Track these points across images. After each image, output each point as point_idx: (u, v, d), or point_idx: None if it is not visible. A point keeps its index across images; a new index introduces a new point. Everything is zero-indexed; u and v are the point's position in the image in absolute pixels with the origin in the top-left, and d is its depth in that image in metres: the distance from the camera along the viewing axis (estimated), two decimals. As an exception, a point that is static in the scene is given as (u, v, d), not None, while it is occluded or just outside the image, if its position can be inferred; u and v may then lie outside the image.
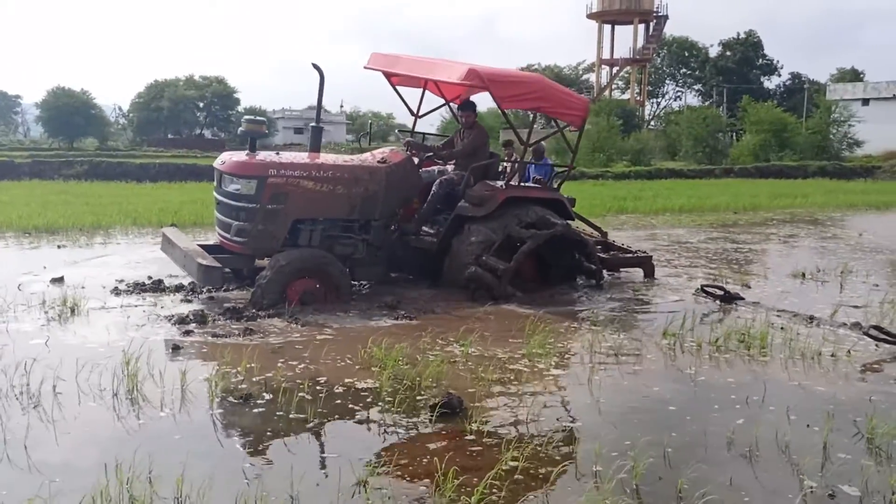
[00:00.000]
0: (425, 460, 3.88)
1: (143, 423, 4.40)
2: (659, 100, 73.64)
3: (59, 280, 8.33)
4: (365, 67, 9.10)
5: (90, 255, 10.45)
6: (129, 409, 4.61)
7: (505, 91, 8.10)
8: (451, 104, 9.98)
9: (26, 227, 12.61)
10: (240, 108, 79.32)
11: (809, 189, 25.31)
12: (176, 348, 5.83)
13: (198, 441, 4.18)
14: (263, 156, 7.67)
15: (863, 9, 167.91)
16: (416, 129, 9.90)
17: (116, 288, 8.01)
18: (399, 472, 3.71)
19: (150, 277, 8.49)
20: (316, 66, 8.10)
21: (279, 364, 5.47)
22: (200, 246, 7.80)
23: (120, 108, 74.77)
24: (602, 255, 9.02)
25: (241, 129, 7.58)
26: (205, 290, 7.83)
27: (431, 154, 8.61)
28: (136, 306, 7.31)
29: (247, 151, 7.63)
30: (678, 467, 3.92)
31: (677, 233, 14.08)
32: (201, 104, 76.17)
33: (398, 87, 9.46)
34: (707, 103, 63.46)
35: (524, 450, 3.95)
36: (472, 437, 4.25)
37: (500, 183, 8.52)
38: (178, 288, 7.98)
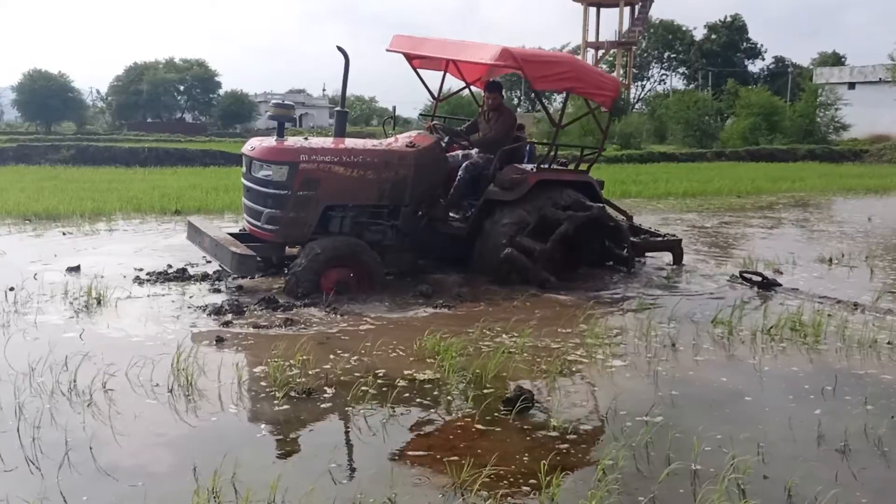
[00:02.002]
0: (525, 458, 3.71)
1: (210, 420, 4.19)
2: (644, 83, 73.64)
3: (75, 269, 8.04)
4: (387, 50, 8.86)
5: (98, 243, 10.13)
6: (188, 405, 4.39)
7: (538, 71, 7.89)
8: (471, 87, 9.79)
9: (25, 214, 12.23)
10: (221, 92, 78.39)
11: (804, 173, 25.32)
12: (220, 340, 5.60)
13: (271, 440, 3.98)
14: (293, 141, 7.43)
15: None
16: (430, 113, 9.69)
17: (138, 277, 7.75)
18: (497, 472, 3.52)
19: (169, 266, 8.23)
20: (341, 49, 7.85)
21: (331, 356, 5.27)
22: (229, 235, 7.55)
23: (98, 92, 73.37)
24: (632, 238, 8.86)
25: (268, 114, 7.34)
26: (231, 279, 7.60)
27: (464, 139, 8.37)
28: (163, 296, 7.06)
29: (275, 137, 7.38)
30: (774, 463, 3.78)
31: (689, 217, 13.95)
32: (182, 87, 75.13)
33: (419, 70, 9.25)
34: (692, 86, 63.51)
35: (616, 447, 3.79)
36: (556, 433, 4.08)
37: (529, 166, 8.34)
38: (204, 277, 7.73)
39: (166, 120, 72.07)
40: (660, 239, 9.25)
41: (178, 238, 10.50)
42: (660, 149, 36.56)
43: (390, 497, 3.28)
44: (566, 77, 8.06)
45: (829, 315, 6.63)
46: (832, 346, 5.86)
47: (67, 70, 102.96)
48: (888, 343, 5.91)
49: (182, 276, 7.80)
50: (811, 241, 11.40)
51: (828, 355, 5.64)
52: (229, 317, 6.26)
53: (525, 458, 3.72)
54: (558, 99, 40.93)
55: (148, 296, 7.04)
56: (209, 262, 8.46)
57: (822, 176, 24.59)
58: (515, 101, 56.80)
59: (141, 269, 8.09)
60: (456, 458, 3.68)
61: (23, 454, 3.72)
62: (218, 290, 7.28)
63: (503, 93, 8.75)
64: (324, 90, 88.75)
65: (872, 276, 8.81)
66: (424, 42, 8.68)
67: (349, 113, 8.45)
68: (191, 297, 7.02)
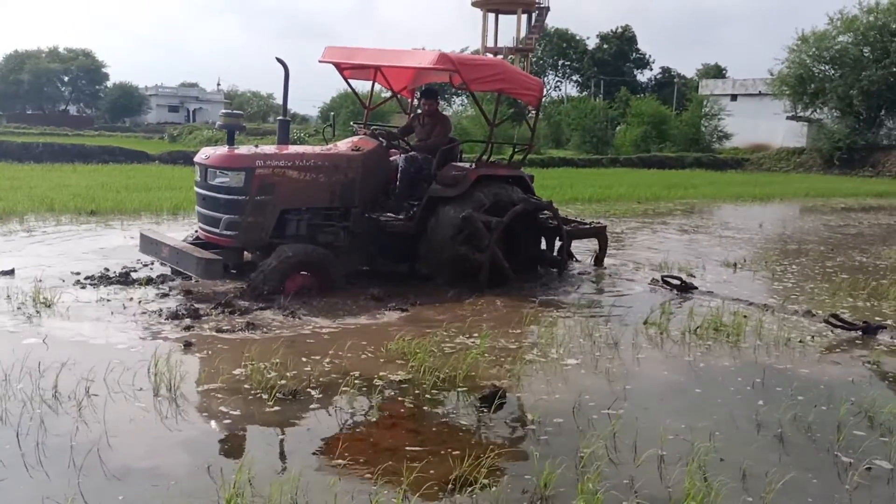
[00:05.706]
0: (513, 448, 4.07)
1: (207, 423, 4.36)
2: (539, 89, 75.76)
3: (8, 272, 7.88)
4: (320, 61, 9.05)
5: (19, 246, 9.85)
6: (178, 409, 4.53)
7: (473, 74, 8.30)
8: (397, 95, 10.10)
9: (-71, 213, 11.69)
10: (108, 84, 75.44)
11: (695, 180, 26.92)
12: (188, 345, 5.71)
13: (275, 440, 4.19)
14: (245, 149, 7.58)
15: (723, 6, 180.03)
16: (360, 121, 9.93)
17: (78, 281, 7.69)
18: (497, 465, 3.86)
19: (106, 269, 8.18)
20: (280, 61, 8.05)
21: (304, 359, 5.48)
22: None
23: (-27, 81, 69.28)
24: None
25: (218, 123, 7.50)
26: (177, 282, 7.66)
27: (406, 146, 8.67)
28: (110, 300, 7.03)
29: (227, 145, 7.53)
30: (727, 449, 4.28)
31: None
32: (66, 78, 71.81)
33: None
34: (585, 94, 65.86)
35: (589, 437, 4.21)
36: (534, 426, 4.47)
37: (466, 164, 8.77)
38: (149, 281, 7.72)
39: (49, 112, 68.69)
40: (587, 226, 9.91)
41: (105, 240, 10.37)
42: (559, 154, 37.90)
43: (404, 489, 3.57)
44: (497, 79, 8.51)
45: (744, 316, 7.32)
46: (752, 344, 6.50)
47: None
48: (800, 341, 6.62)
49: (125, 279, 7.76)
50: (714, 247, 12.28)
51: (750, 353, 6.28)
52: (188, 321, 6.34)
53: (513, 449, 4.09)
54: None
55: (97, 300, 7.00)
56: (147, 265, 8.47)
57: (711, 184, 26.22)
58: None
59: (78, 273, 8.01)
60: (451, 450, 4.02)
61: (23, 461, 3.79)
62: (166, 294, 7.30)
63: (438, 99, 9.12)
64: (218, 84, 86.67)
65: (773, 279, 9.68)
66: (357, 52, 8.93)
67: (290, 121, 8.61)
68: (140, 301, 7.03)
